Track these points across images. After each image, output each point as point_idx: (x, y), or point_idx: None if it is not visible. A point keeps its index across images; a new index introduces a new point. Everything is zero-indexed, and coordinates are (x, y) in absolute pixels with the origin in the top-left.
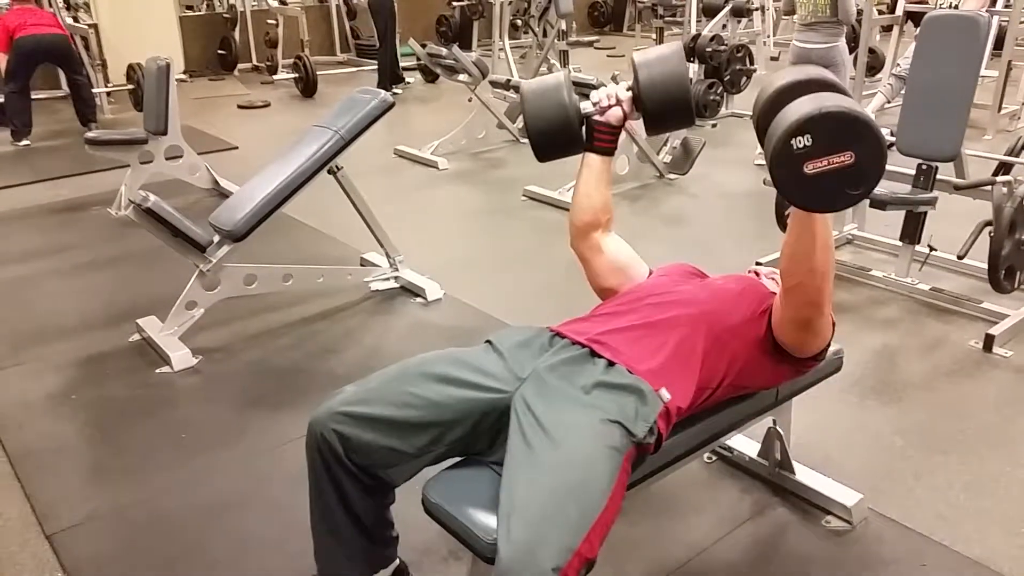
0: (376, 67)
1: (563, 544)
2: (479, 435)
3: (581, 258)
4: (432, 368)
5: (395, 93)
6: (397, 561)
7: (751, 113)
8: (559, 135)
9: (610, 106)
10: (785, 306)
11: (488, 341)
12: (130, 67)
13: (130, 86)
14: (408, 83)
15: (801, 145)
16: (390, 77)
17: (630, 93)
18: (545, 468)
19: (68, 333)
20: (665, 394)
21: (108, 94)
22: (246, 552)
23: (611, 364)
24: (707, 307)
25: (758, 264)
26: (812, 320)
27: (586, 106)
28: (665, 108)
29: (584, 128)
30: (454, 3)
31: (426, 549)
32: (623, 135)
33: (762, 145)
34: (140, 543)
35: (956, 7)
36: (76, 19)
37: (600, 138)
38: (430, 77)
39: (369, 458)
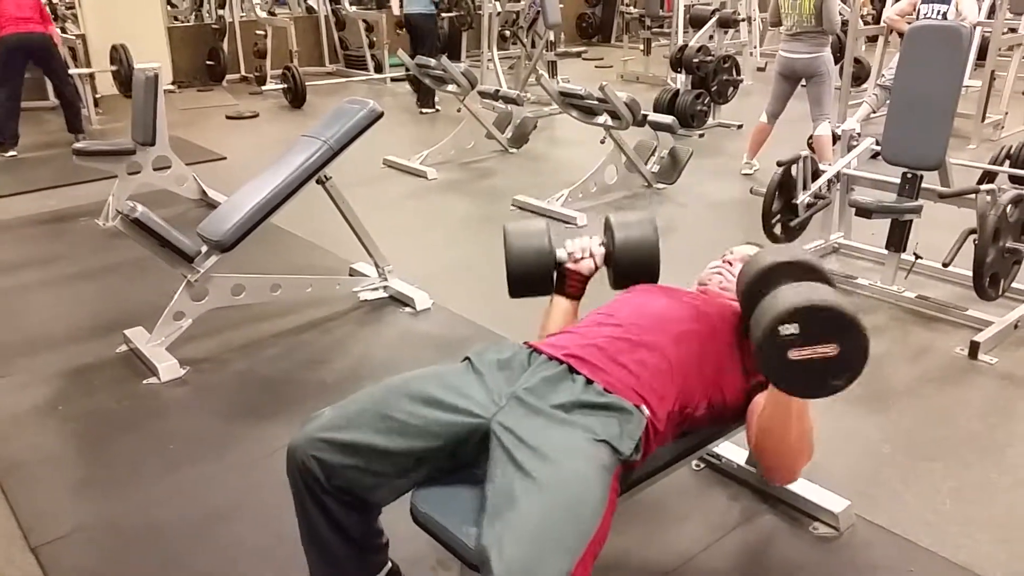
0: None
1: (559, 566)
2: (460, 455)
3: None
4: (410, 389)
5: (422, 112)
6: (389, 564)
7: (735, 284)
8: (534, 278)
9: (583, 258)
10: (759, 460)
11: (467, 359)
12: (113, 47)
13: (113, 67)
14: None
15: (788, 333)
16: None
17: (603, 249)
18: (539, 488)
19: (55, 344)
20: (645, 411)
21: (96, 104)
22: (235, 562)
23: (589, 382)
24: (685, 326)
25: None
26: (784, 480)
27: (561, 255)
28: (634, 270)
29: (556, 273)
30: (443, 14)
31: (414, 559)
32: (611, 143)
33: (744, 315)
34: (128, 555)
35: (945, 16)
36: (64, 30)
37: (571, 284)
38: (423, 102)
39: (351, 482)
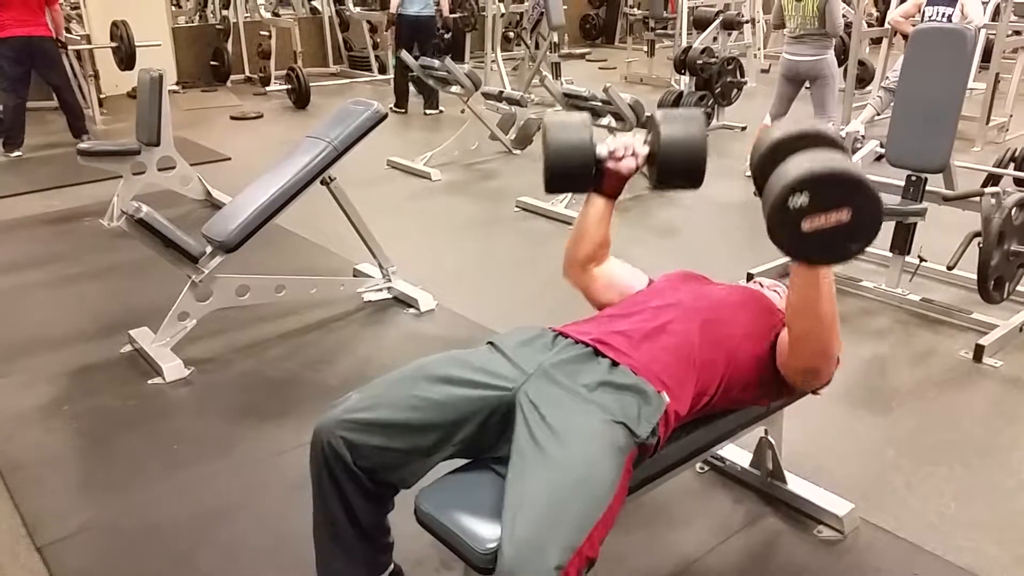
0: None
1: (566, 543)
2: (486, 433)
3: (576, 286)
4: (435, 370)
5: (426, 113)
6: (392, 566)
7: (749, 160)
8: (573, 172)
9: (624, 156)
10: (793, 355)
11: (490, 342)
12: (113, 24)
13: (113, 44)
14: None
15: (798, 204)
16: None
17: (647, 148)
18: (551, 466)
19: (59, 344)
20: (666, 397)
21: (100, 104)
22: (238, 563)
23: (615, 364)
24: (708, 315)
25: (750, 275)
26: (821, 368)
27: (601, 151)
28: (678, 171)
29: (595, 170)
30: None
31: (418, 560)
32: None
33: (760, 195)
34: (132, 555)
35: (950, 18)
36: (68, 30)
37: (610, 183)
38: (427, 104)
39: (377, 462)
